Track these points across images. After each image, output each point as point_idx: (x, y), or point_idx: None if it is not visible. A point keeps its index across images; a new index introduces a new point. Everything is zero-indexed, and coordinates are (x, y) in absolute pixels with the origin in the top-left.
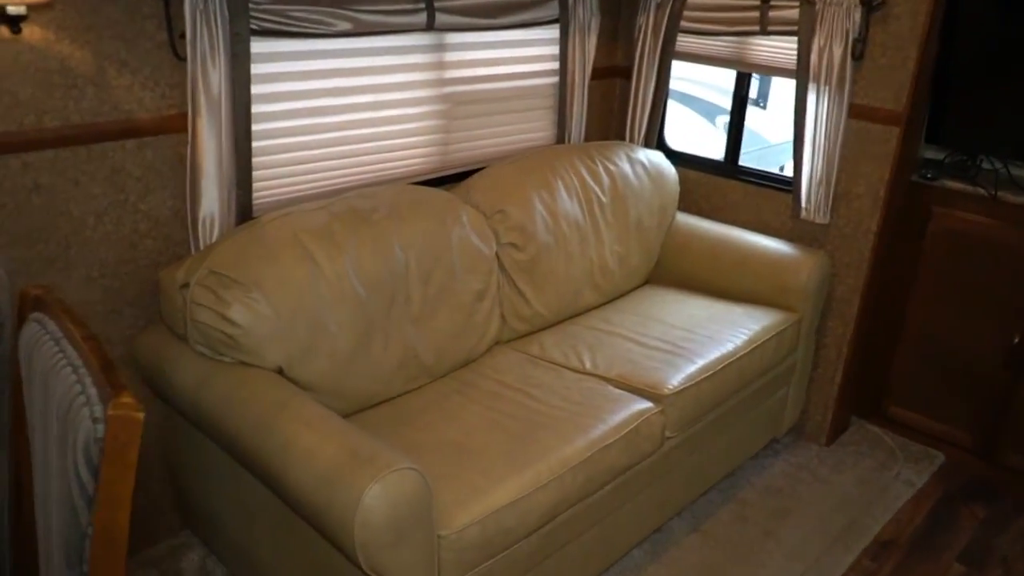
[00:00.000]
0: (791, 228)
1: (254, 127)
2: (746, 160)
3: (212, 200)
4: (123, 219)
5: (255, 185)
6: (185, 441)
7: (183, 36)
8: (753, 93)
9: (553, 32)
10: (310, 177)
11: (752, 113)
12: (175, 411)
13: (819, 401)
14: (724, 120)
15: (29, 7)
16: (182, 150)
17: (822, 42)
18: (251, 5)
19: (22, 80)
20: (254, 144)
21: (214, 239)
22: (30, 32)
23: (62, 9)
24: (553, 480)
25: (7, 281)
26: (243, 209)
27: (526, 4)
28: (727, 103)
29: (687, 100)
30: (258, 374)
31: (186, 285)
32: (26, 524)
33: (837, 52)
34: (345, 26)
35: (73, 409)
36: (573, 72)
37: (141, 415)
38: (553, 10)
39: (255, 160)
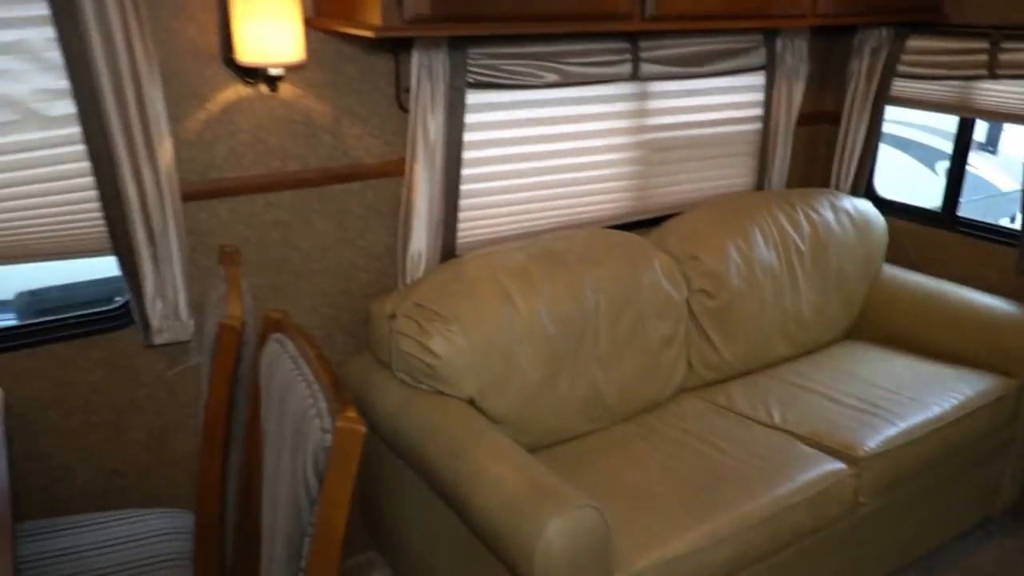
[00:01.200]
0: (1015, 286)
1: (463, 171)
2: (971, 210)
3: (421, 238)
4: (343, 253)
5: (459, 225)
6: (380, 463)
7: (407, 90)
8: (981, 137)
9: (758, 78)
10: (510, 219)
11: (979, 159)
12: (374, 433)
13: None
14: (945, 166)
15: (287, 68)
16: (398, 192)
17: None
18: (469, 61)
19: (274, 130)
20: (462, 187)
21: (420, 274)
22: (283, 89)
23: (311, 69)
24: (732, 535)
25: (252, 307)
26: (447, 247)
27: (732, 52)
28: (949, 147)
29: (903, 144)
30: (453, 403)
31: (393, 316)
32: (252, 522)
33: None
34: (553, 78)
35: (306, 420)
36: (777, 118)
37: (363, 429)
38: (760, 58)
39: (462, 201)
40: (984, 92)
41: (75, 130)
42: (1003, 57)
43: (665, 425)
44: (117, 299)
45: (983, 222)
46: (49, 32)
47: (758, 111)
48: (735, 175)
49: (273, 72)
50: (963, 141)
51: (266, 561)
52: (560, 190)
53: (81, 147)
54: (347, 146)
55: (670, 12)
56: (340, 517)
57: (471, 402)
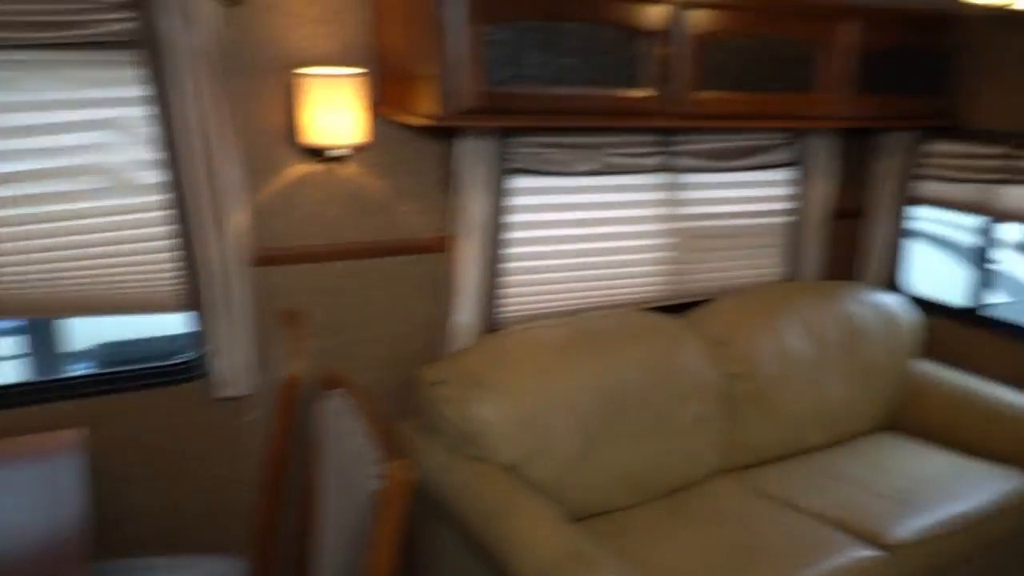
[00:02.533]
0: None
1: (506, 250)
2: (1014, 310)
3: (466, 311)
4: (394, 321)
5: (502, 300)
6: (422, 525)
7: (455, 174)
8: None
9: (786, 174)
10: (551, 296)
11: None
12: (416, 495)
13: None
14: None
15: (349, 149)
16: (445, 267)
17: None
18: (512, 149)
19: (335, 204)
20: (504, 264)
21: (464, 345)
22: (346, 167)
23: (371, 150)
24: None
25: (312, 366)
26: (490, 320)
27: (762, 148)
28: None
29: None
30: (492, 469)
31: (438, 383)
32: (306, 568)
33: None
34: (591, 166)
35: (359, 467)
36: (808, 212)
37: (414, 475)
38: (787, 154)
39: (504, 279)
40: (1004, 194)
41: (161, 198)
42: (1021, 164)
43: (699, 504)
44: (188, 353)
45: (1010, 321)
46: (142, 111)
47: (789, 205)
48: (767, 265)
49: (336, 153)
50: (987, 241)
51: None
52: (598, 271)
53: (165, 213)
54: (400, 222)
55: (696, 111)
56: (389, 556)
57: (510, 469)
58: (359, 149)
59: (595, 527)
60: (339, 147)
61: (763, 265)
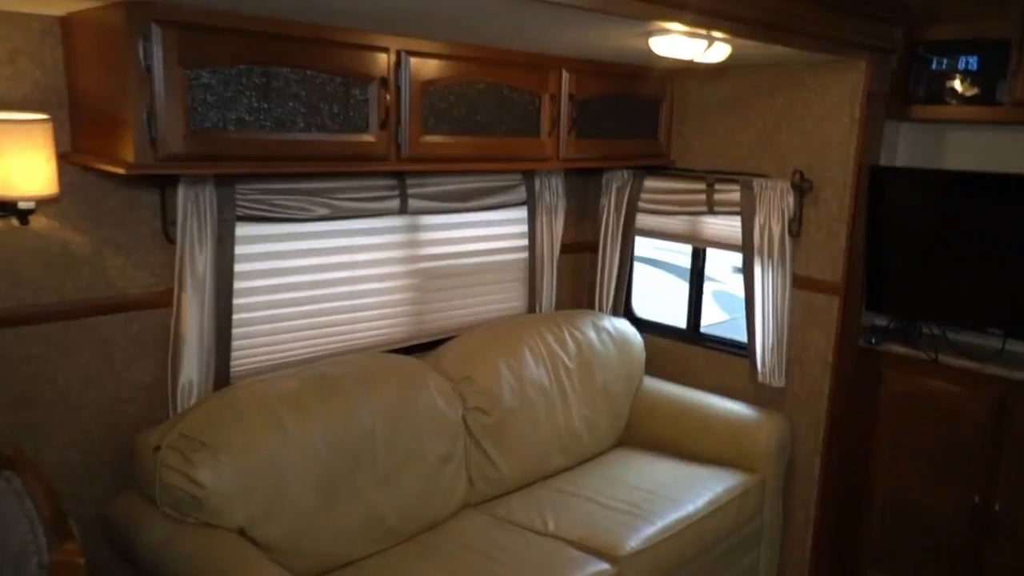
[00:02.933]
0: (751, 391)
1: (236, 301)
2: (732, 326)
3: (192, 368)
4: (107, 387)
5: (234, 353)
6: None
7: (174, 223)
8: (739, 263)
9: (522, 213)
10: (287, 346)
11: (738, 280)
12: (139, 573)
13: (794, 566)
14: (712, 288)
15: (38, 201)
16: (167, 322)
17: (762, 220)
18: (237, 196)
19: (26, 263)
20: (235, 316)
21: (192, 405)
22: (37, 222)
23: (68, 201)
24: None
25: None
26: (221, 376)
27: (494, 190)
28: (715, 272)
29: (674, 269)
30: (219, 535)
31: (158, 448)
32: None
33: (776, 229)
34: (323, 211)
35: (24, 557)
36: (542, 248)
37: (81, 561)
38: (520, 195)
39: (235, 331)
40: (707, 225)
41: None
42: (717, 197)
43: (446, 541)
44: None
45: (721, 337)
46: None
47: (524, 241)
48: (507, 300)
49: (23, 206)
50: (697, 268)
51: None
52: (337, 316)
53: None
54: (110, 277)
55: (423, 154)
56: None
57: (241, 533)
58: (49, 201)
59: None
60: (23, 198)
61: (504, 300)
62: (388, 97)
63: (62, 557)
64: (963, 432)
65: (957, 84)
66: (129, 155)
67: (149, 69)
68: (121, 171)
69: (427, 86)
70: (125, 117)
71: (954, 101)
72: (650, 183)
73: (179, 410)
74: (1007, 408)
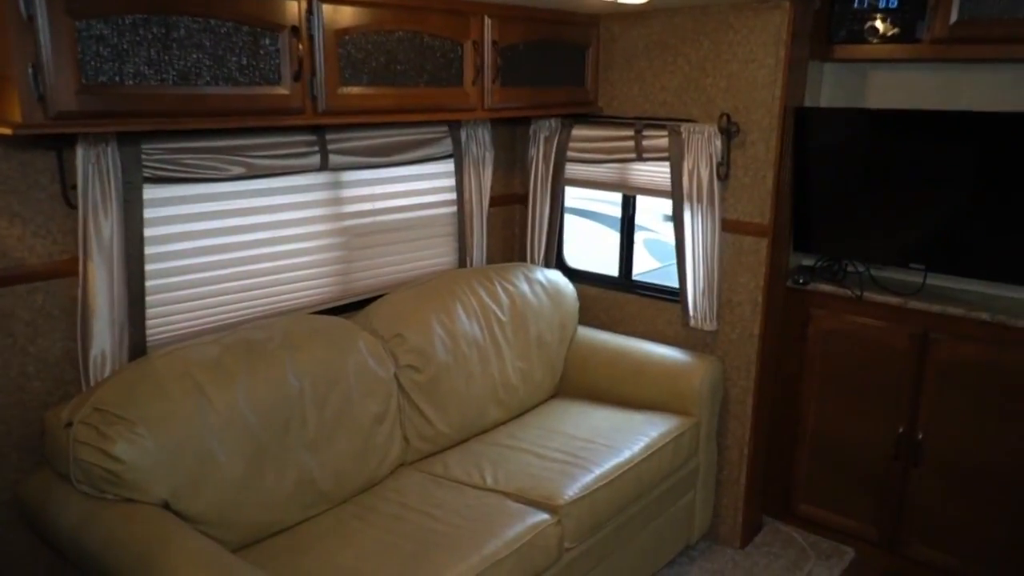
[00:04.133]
0: (684, 336)
1: (148, 267)
2: (664, 274)
3: (104, 339)
4: (11, 362)
5: (151, 322)
6: None
7: (75, 187)
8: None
9: (449, 166)
10: (208, 312)
11: (671, 228)
12: (60, 557)
13: (729, 504)
14: (643, 236)
15: None
16: (74, 292)
17: (691, 165)
18: (143, 156)
19: None
20: (148, 283)
21: (105, 377)
22: None
23: None
24: None
25: None
26: (136, 347)
27: (419, 143)
28: (646, 220)
29: (605, 220)
30: (141, 510)
31: (70, 424)
32: None
33: (704, 174)
34: (238, 170)
35: None
36: (470, 201)
37: None
38: (446, 147)
39: (150, 298)
40: (636, 172)
41: None
42: (645, 143)
43: (383, 502)
44: None
45: (653, 283)
46: None
47: (452, 195)
48: (438, 255)
49: None
50: (628, 216)
51: None
52: (259, 279)
53: None
54: (6, 247)
55: (341, 107)
56: None
57: (165, 506)
58: None
59: (272, 548)
60: None
61: (434, 256)
62: (300, 47)
63: None
64: (887, 366)
65: (878, 23)
66: (15, 114)
67: (32, 19)
68: (8, 132)
69: (342, 34)
70: (8, 73)
71: (875, 40)
72: (578, 131)
73: (92, 383)
74: (928, 340)
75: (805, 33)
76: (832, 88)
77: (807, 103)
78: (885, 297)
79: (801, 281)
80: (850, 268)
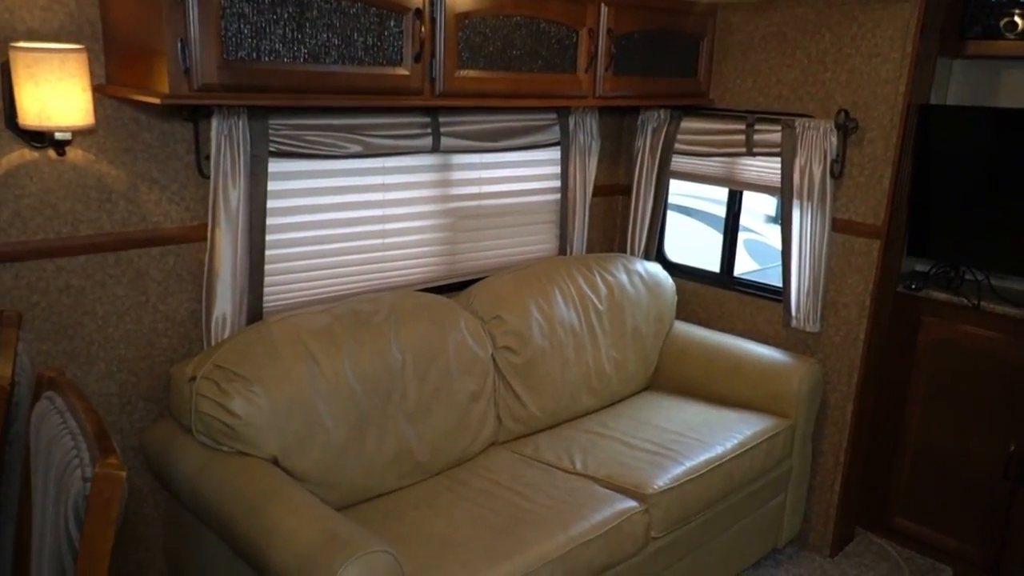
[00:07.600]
0: (784, 336)
1: (268, 237)
2: (764, 276)
3: (225, 302)
4: (143, 318)
5: (267, 289)
6: (185, 530)
7: (208, 157)
8: (772, 212)
9: (555, 153)
10: (319, 283)
11: (774, 230)
12: (177, 501)
13: (820, 511)
14: (744, 237)
15: (74, 132)
16: (201, 257)
17: (803, 162)
18: (271, 131)
19: (63, 195)
20: (268, 252)
21: (225, 338)
22: (73, 154)
23: (103, 134)
24: (529, 573)
25: (30, 369)
26: (253, 311)
27: (527, 129)
28: (748, 221)
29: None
30: (253, 463)
31: (193, 378)
32: None
33: (817, 171)
34: (356, 149)
35: (68, 471)
36: (574, 190)
37: (123, 473)
38: (554, 135)
39: (268, 266)
40: (745, 167)
41: None
42: (756, 137)
43: (474, 477)
44: None
45: (755, 281)
46: None
47: (556, 183)
48: (539, 241)
49: (59, 136)
50: (733, 211)
51: None
52: (369, 255)
53: None
54: (145, 211)
55: (458, 89)
56: (101, 568)
57: (275, 462)
58: (85, 133)
59: (368, 511)
60: (59, 129)
61: (535, 242)
62: (423, 29)
63: (105, 470)
64: (1002, 380)
65: (1017, 18)
66: (163, 85)
67: None
68: (156, 101)
69: (463, 18)
70: (159, 47)
71: (1013, 36)
72: (687, 123)
73: (213, 343)
74: None
75: (935, 27)
76: (960, 86)
77: (932, 101)
78: (1005, 308)
79: (913, 287)
80: (968, 276)
